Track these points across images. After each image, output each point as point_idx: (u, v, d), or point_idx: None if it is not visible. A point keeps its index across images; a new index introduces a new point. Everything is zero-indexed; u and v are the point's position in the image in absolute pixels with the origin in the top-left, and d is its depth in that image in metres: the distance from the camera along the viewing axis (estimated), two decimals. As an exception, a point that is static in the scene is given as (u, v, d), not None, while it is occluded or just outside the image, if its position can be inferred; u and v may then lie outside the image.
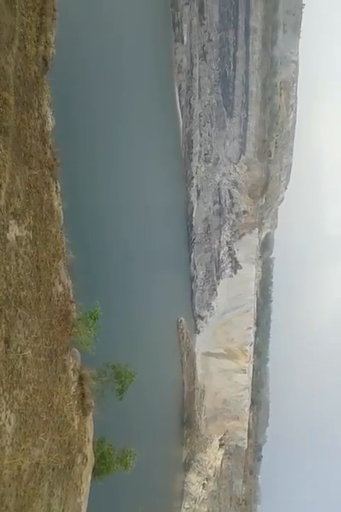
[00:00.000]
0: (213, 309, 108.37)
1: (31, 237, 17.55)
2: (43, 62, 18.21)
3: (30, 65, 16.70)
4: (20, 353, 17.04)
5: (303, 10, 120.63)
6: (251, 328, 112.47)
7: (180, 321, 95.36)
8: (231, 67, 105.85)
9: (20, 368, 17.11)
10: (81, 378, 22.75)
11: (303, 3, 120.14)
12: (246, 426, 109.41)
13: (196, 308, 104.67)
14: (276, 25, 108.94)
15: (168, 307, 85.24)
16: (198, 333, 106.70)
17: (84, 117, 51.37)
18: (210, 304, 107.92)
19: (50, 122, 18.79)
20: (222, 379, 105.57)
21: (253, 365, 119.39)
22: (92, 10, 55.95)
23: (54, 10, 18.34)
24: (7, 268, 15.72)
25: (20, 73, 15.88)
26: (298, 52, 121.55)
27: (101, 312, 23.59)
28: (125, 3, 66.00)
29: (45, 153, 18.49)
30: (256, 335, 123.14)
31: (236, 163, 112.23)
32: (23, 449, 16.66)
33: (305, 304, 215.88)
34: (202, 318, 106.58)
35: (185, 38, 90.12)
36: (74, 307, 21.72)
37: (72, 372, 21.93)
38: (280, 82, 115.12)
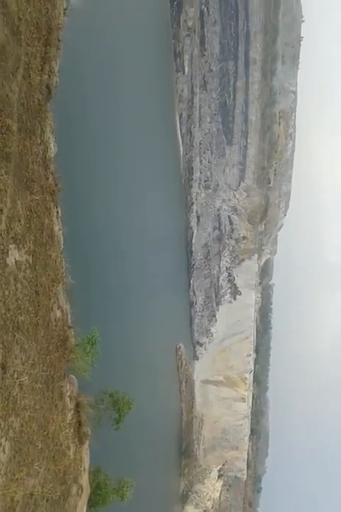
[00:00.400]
0: (212, 336, 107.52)
1: (31, 261, 17.52)
2: (47, 90, 18.56)
3: (34, 93, 17.02)
4: (17, 379, 16.79)
5: (302, 42, 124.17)
6: (250, 355, 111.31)
7: (179, 347, 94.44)
8: (231, 96, 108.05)
9: (17, 395, 16.83)
10: (78, 406, 22.34)
11: (302, 36, 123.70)
12: (246, 456, 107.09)
13: (195, 334, 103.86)
14: (275, 56, 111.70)
15: (166, 333, 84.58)
16: (197, 359, 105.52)
17: (86, 143, 52.12)
18: (209, 330, 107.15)
19: (52, 148, 19.03)
20: (221, 407, 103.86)
21: (253, 394, 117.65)
22: (96, 40, 57.43)
23: (58, 41, 18.81)
24: (6, 292, 15.64)
25: (24, 101, 16.16)
26: (296, 83, 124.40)
27: (98, 337, 23.37)
28: (128, 34, 67.75)
29: (47, 179, 18.66)
30: (255, 362, 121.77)
31: (235, 190, 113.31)
32: (17, 478, 16.22)
33: (305, 332, 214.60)
34: (201, 344, 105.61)
35: (186, 68, 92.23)
36: (72, 332, 21.52)
37: (68, 399, 21.56)
38: (279, 112, 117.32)
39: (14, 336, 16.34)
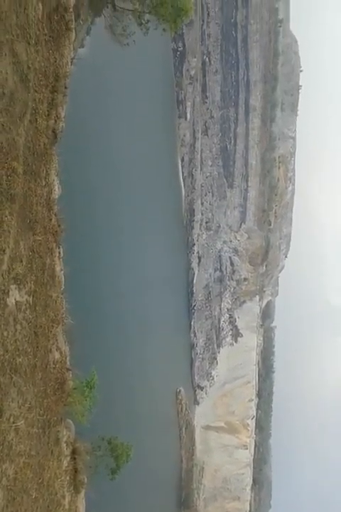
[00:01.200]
0: (213, 379, 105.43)
1: (31, 302, 17.42)
2: (53, 135, 19.02)
3: (40, 137, 17.44)
4: (13, 423, 16.31)
5: (300, 91, 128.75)
6: (252, 400, 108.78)
7: (179, 391, 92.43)
8: (232, 141, 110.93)
9: (12, 440, 16.30)
10: (74, 452, 21.58)
11: (300, 84, 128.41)
12: (248, 507, 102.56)
13: (196, 377, 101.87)
14: (275, 104, 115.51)
15: (166, 376, 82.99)
16: (197, 404, 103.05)
17: (89, 185, 53.07)
18: (210, 373, 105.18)
19: (57, 190, 19.32)
20: (222, 455, 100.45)
21: (255, 441, 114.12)
22: (102, 87, 59.60)
23: (65, 88, 19.46)
24: (5, 334, 15.46)
25: (30, 144, 16.55)
26: (295, 129, 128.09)
27: (97, 380, 22.88)
28: (132, 82, 70.36)
29: (50, 220, 18.83)
30: (257, 407, 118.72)
31: (236, 232, 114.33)
32: (9, 531, 15.45)
33: (308, 375, 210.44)
34: (201, 388, 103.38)
35: (189, 115, 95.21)
36: (71, 375, 21.09)
37: (65, 445, 20.86)
38: (279, 156, 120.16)
39: (12, 378, 16.02)
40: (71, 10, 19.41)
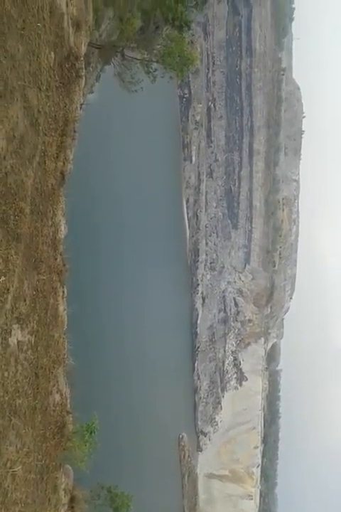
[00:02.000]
0: (217, 425, 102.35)
1: (33, 342, 17.21)
2: (61, 176, 19.38)
3: (48, 178, 17.77)
4: (10, 468, 15.75)
5: (303, 136, 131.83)
6: (258, 447, 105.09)
7: (182, 437, 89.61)
8: (236, 184, 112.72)
9: (8, 486, 15.67)
10: (72, 500, 20.70)
11: (303, 130, 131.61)
12: None
13: (199, 422, 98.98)
14: (278, 148, 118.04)
15: (169, 420, 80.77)
16: (201, 451, 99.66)
17: (94, 224, 53.65)
18: (214, 418, 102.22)
19: (63, 230, 19.48)
20: (226, 506, 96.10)
21: (261, 491, 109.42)
22: (110, 130, 61.39)
23: (74, 131, 19.99)
24: (5, 374, 15.19)
25: (38, 185, 16.84)
26: (298, 172, 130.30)
27: (98, 425, 22.22)
28: (140, 126, 72.43)
29: (55, 259, 18.89)
30: (263, 455, 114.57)
31: (241, 272, 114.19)
32: None
33: (316, 421, 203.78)
34: (205, 434, 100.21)
35: (194, 158, 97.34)
36: (71, 418, 20.54)
37: (63, 492, 20.03)
38: (283, 199, 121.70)
39: (10, 420, 15.60)
40: (82, 58, 20.22)
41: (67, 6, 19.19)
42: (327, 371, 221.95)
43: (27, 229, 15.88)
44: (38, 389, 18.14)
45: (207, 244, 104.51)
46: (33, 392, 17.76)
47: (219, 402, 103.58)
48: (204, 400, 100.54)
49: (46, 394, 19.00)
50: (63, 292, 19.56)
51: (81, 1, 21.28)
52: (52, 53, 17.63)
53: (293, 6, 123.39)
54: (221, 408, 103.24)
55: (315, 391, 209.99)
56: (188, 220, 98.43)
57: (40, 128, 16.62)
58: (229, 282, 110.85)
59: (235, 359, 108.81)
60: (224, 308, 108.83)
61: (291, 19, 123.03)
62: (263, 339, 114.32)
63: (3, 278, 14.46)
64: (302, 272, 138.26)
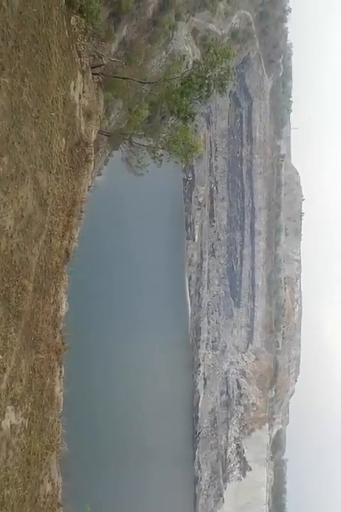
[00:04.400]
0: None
1: (26, 425, 16.41)
2: (65, 254, 19.67)
3: (53, 256, 18.00)
4: None
5: (303, 217, 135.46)
6: None
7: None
8: (238, 262, 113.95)
9: None
10: None
11: (302, 212, 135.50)
12: None
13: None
14: (279, 229, 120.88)
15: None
16: None
17: (95, 302, 53.52)
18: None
19: (64, 308, 19.38)
20: None
21: None
22: (117, 210, 63.39)
23: (81, 212, 20.60)
24: (-5, 461, 14.31)
25: (43, 263, 17.01)
26: (299, 252, 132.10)
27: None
28: (146, 206, 74.89)
29: (55, 337, 18.58)
30: None
31: (244, 352, 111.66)
32: None
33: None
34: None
35: (197, 237, 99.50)
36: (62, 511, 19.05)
37: None
38: (285, 278, 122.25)
39: (-4, 514, 14.45)
40: (92, 145, 21.35)
41: (79, 98, 20.64)
42: (337, 462, 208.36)
43: (28, 306, 15.79)
44: (28, 477, 17.01)
45: (209, 322, 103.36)
46: (23, 480, 16.64)
47: (221, 495, 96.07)
48: (205, 492, 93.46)
49: (37, 483, 17.79)
50: (60, 372, 19.01)
51: (93, 93, 22.92)
52: (64, 140, 18.65)
53: (291, 99, 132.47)
54: (223, 501, 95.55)
55: (324, 482, 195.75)
56: (190, 297, 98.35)
57: (48, 208, 17.14)
58: (231, 363, 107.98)
59: (238, 447, 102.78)
60: (227, 391, 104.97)
61: (289, 110, 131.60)
62: (267, 425, 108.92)
63: (0, 357, 14.12)
64: (306, 354, 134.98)
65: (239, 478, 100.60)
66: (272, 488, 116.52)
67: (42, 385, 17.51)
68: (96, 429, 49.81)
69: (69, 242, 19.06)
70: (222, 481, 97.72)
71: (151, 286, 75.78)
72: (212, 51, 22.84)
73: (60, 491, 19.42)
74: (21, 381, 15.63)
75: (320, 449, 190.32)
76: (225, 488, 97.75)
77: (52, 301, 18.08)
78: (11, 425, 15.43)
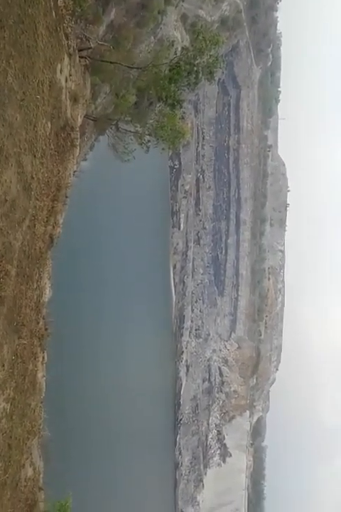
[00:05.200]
0: (198, 505, 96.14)
1: (8, 410, 16.38)
2: (49, 239, 19.48)
3: (37, 242, 17.81)
4: None
5: (288, 209, 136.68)
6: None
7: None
8: (223, 252, 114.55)
9: None
10: None
11: (288, 203, 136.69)
12: None
13: (179, 502, 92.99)
14: (264, 219, 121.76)
15: (147, 500, 75.81)
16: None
17: (79, 288, 53.26)
18: (196, 498, 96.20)
19: (47, 293, 19.26)
20: None
21: None
22: (101, 196, 62.82)
23: (66, 197, 20.38)
24: (-25, 446, 14.27)
25: (26, 248, 16.83)
26: (284, 243, 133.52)
27: (72, 503, 20.72)
28: (131, 193, 74.39)
29: (38, 323, 18.49)
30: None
31: (226, 340, 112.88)
32: None
33: (303, 502, 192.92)
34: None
35: (182, 225, 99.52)
36: (43, 496, 19.16)
37: None
38: (269, 268, 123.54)
39: (-24, 498, 14.47)
40: (77, 129, 21.06)
41: (66, 81, 20.26)
42: (315, 449, 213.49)
43: (11, 292, 15.64)
44: (9, 461, 17.03)
45: (192, 310, 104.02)
46: (4, 465, 16.66)
47: (201, 480, 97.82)
48: (186, 478, 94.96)
49: (18, 467, 17.84)
50: (43, 358, 18.98)
51: (80, 77, 22.54)
52: (49, 123, 18.34)
53: (279, 89, 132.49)
54: (203, 487, 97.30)
55: (302, 468, 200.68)
56: (175, 285, 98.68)
57: (32, 193, 16.90)
58: (214, 350, 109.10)
59: (219, 433, 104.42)
60: (209, 378, 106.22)
61: (277, 101, 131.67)
62: (248, 412, 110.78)
63: (-18, 342, 14.00)
64: (288, 343, 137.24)
65: (219, 464, 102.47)
66: (251, 474, 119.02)
67: (25, 370, 17.47)
68: (78, 415, 49.98)
69: (53, 227, 18.87)
70: (202, 467, 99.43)
71: (136, 274, 75.73)
72: (201, 38, 22.61)
73: (41, 476, 19.52)
74: (3, 366, 15.55)
75: (299, 436, 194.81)
76: (205, 473, 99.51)
77: (35, 286, 17.95)
78: (-7, 410, 15.39)
